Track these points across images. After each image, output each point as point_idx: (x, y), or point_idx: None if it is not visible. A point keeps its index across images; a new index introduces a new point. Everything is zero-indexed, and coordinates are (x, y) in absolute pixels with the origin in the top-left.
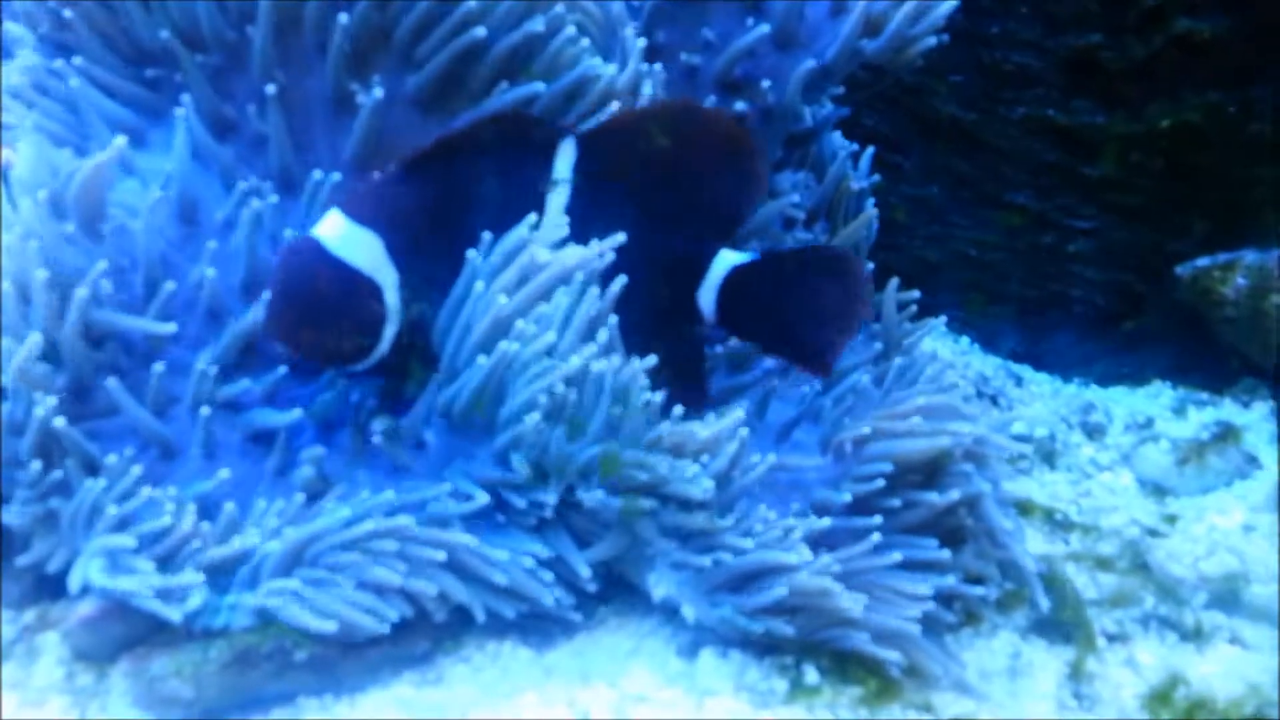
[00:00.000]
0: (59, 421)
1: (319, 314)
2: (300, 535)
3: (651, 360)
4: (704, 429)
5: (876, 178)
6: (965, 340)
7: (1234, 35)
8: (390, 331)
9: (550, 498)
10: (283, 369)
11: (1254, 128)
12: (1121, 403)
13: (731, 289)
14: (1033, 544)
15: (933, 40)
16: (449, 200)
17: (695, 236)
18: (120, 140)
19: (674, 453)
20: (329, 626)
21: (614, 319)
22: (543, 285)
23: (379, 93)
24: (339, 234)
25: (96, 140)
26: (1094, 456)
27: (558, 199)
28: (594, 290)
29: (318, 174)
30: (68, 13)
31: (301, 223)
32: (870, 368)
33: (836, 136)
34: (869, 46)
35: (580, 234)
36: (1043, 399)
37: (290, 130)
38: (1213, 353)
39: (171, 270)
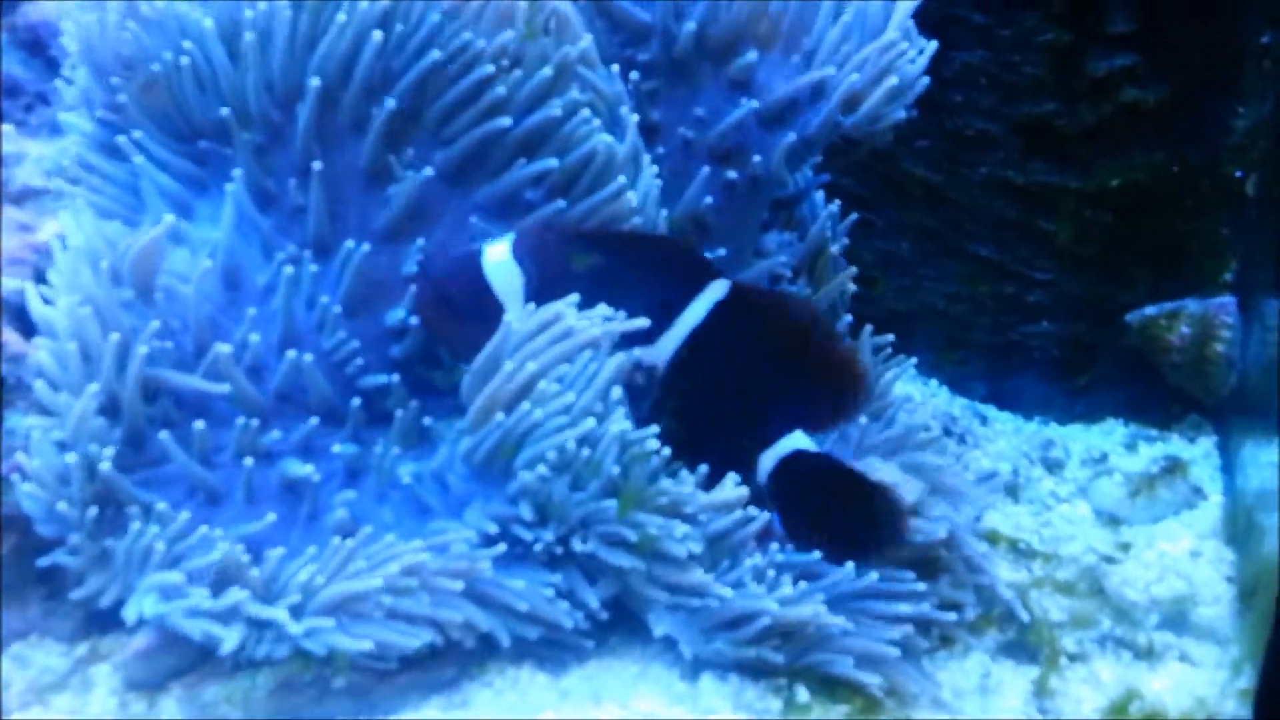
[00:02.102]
0: (107, 467)
1: (451, 310)
2: (340, 589)
3: (655, 429)
4: (704, 496)
5: (845, 241)
6: (934, 383)
7: (1174, 103)
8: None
9: (549, 535)
10: (315, 420)
11: (1194, 186)
12: (1078, 439)
13: (790, 466)
14: (1000, 572)
15: (902, 114)
16: (590, 280)
17: (780, 411)
18: (170, 217)
19: (670, 512)
20: (365, 645)
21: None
22: (568, 350)
23: (429, 171)
24: (497, 258)
25: (150, 212)
26: (1054, 489)
27: (681, 329)
28: (618, 357)
29: (350, 243)
30: (122, 97)
31: (333, 287)
32: None
33: (819, 200)
34: (847, 121)
35: (683, 372)
36: (1006, 436)
37: (324, 202)
38: (1161, 393)
39: (218, 331)
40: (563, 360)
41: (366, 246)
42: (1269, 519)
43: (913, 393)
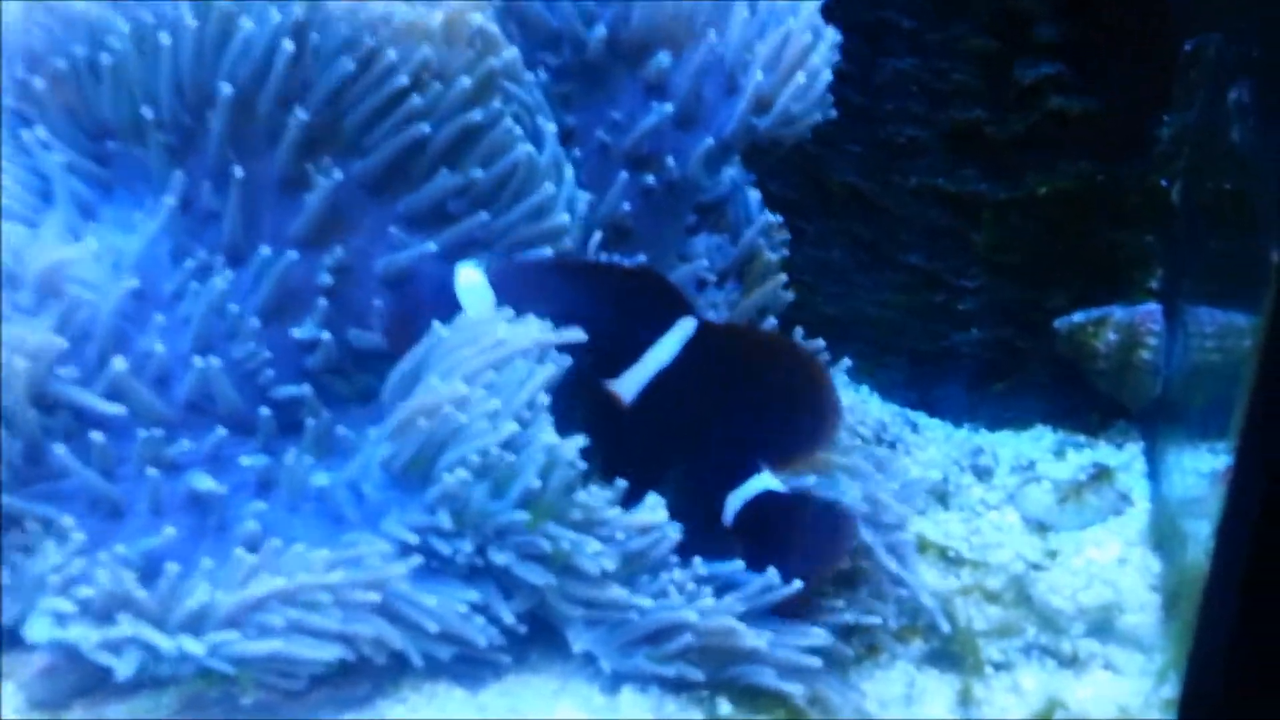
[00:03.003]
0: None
1: (420, 331)
2: (240, 598)
3: (580, 440)
4: (623, 516)
5: (785, 252)
6: (865, 389)
7: (1102, 112)
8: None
9: (467, 547)
10: (223, 431)
11: (1121, 195)
12: (1007, 446)
13: (756, 507)
14: (928, 579)
15: (819, 116)
16: (560, 309)
17: (750, 447)
18: (92, 241)
19: (584, 527)
20: (274, 645)
21: (545, 397)
22: (497, 358)
23: (339, 174)
24: (470, 281)
25: (57, 213)
26: (983, 496)
27: (648, 366)
28: (548, 367)
29: (265, 250)
30: (38, 81)
31: (246, 295)
32: None
33: (753, 201)
34: (762, 123)
35: (648, 411)
36: (936, 444)
37: (241, 208)
38: (1088, 400)
39: (123, 340)
40: (491, 368)
41: (294, 254)
42: (1193, 526)
43: (845, 398)
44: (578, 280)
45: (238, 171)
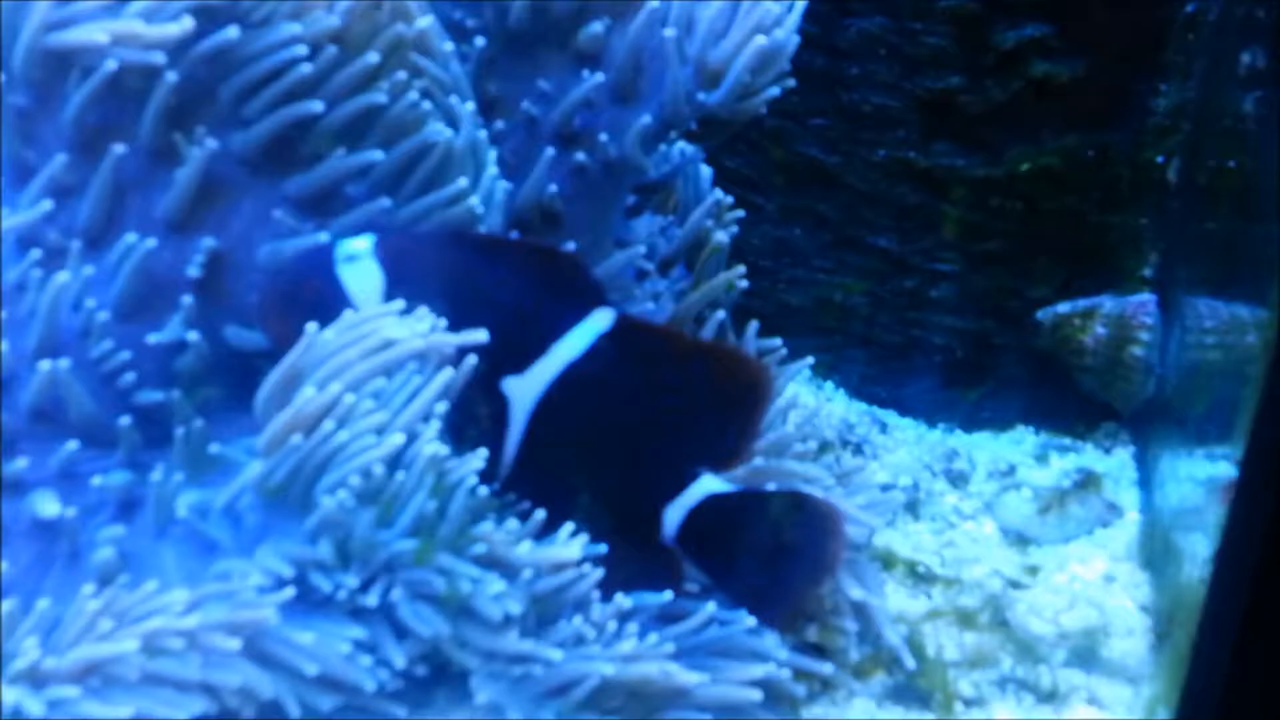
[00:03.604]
0: None
1: (298, 317)
2: (86, 652)
3: (482, 455)
4: (530, 551)
5: (735, 229)
6: (829, 386)
7: (1090, 80)
8: None
9: (351, 582)
10: (75, 443)
11: (1111, 172)
12: (985, 449)
13: (702, 515)
14: (895, 599)
15: (776, 91)
16: (457, 291)
17: (682, 454)
18: None
19: (487, 563)
20: (123, 713)
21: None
22: (385, 363)
23: (212, 143)
24: (353, 257)
25: None
26: (958, 505)
27: (554, 362)
28: (446, 372)
29: (131, 237)
30: None
31: (104, 286)
32: None
33: (703, 179)
34: (709, 98)
35: (554, 414)
36: (907, 445)
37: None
38: (1074, 399)
39: None
40: (379, 374)
41: (152, 241)
42: (1188, 541)
43: (805, 397)
44: (480, 258)
45: (118, 147)
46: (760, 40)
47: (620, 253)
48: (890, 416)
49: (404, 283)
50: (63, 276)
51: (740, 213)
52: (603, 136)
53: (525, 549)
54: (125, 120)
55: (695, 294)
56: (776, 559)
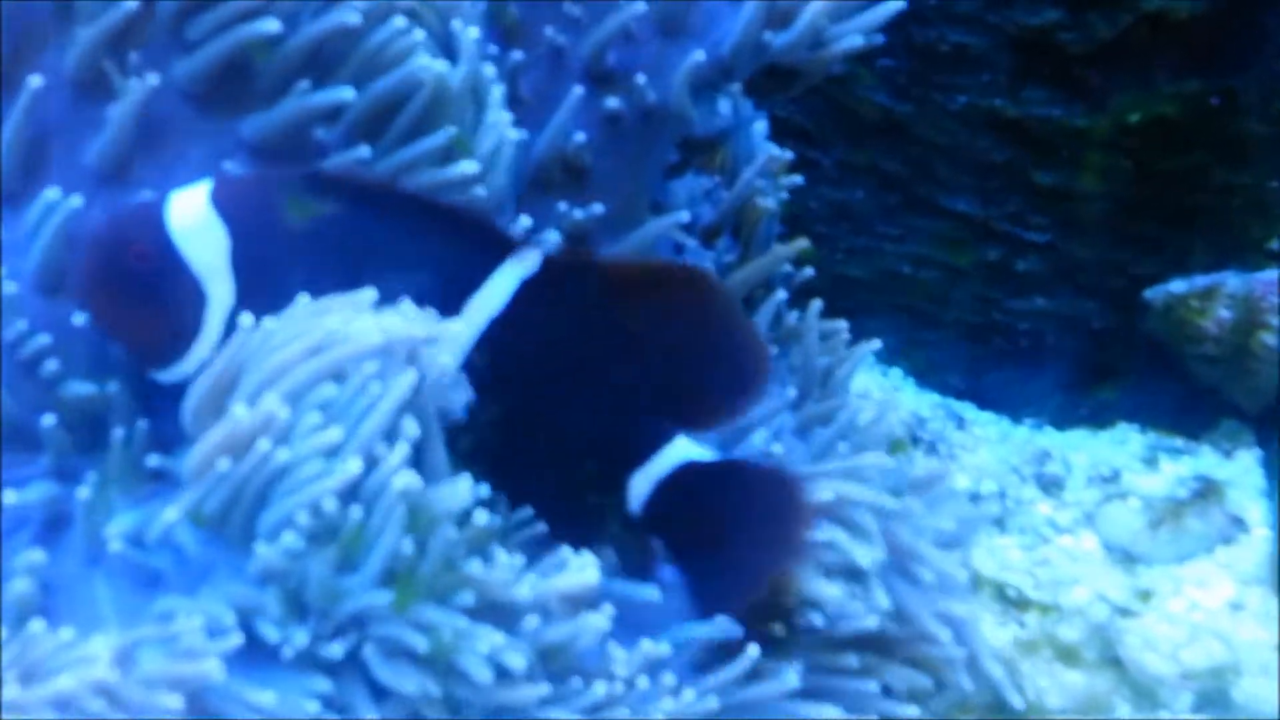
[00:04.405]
0: None
1: (124, 289)
2: None
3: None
4: (528, 588)
5: (785, 195)
6: (896, 373)
7: (1216, 13)
8: (201, 350)
9: (300, 638)
10: None
11: (1240, 124)
12: (1082, 450)
13: (675, 487)
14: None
15: (860, 40)
16: (326, 247)
17: (648, 410)
18: None
19: (484, 609)
20: None
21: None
22: (335, 363)
23: (154, 79)
24: (189, 213)
25: None
26: (1051, 516)
27: (473, 319)
28: (409, 375)
29: (52, 193)
30: None
31: (22, 251)
32: (788, 415)
33: (758, 137)
34: (777, 40)
35: (483, 379)
36: (989, 445)
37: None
38: (1188, 392)
39: None
40: (327, 379)
41: (78, 199)
42: None
43: (869, 387)
44: (357, 206)
45: (34, 80)
46: None
47: (656, 219)
48: (968, 410)
49: (255, 240)
50: None
51: (798, 178)
52: (640, 78)
53: (527, 589)
54: (43, 43)
55: (743, 270)
56: (743, 535)
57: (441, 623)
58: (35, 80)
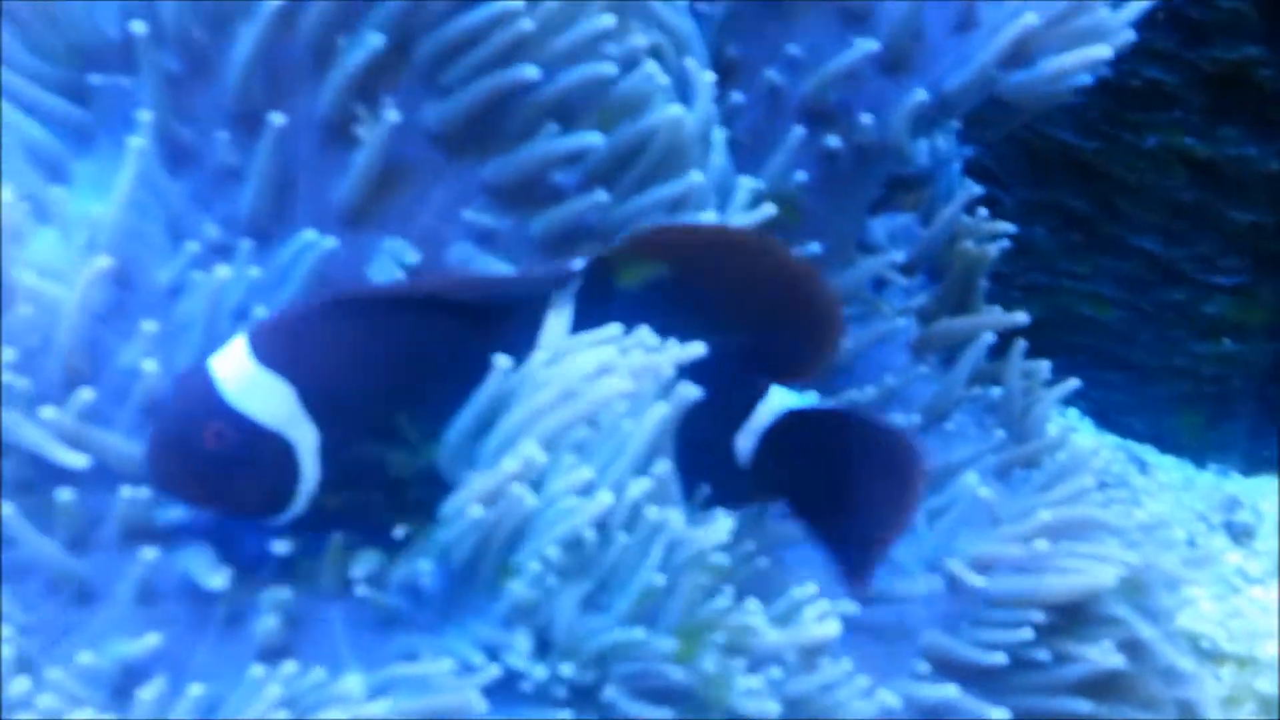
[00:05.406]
0: None
1: (219, 481)
2: None
3: (728, 523)
4: (776, 633)
5: (1006, 242)
6: (1074, 414)
7: None
8: (306, 490)
9: (539, 672)
10: None
11: None
12: (1272, 497)
13: (779, 435)
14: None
15: (1088, 78)
16: (394, 355)
17: (743, 369)
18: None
19: (729, 649)
20: None
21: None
22: (593, 404)
23: (393, 116)
24: (244, 380)
25: (8, 175)
26: (1242, 566)
27: (557, 325)
28: (660, 407)
29: (310, 234)
30: None
31: (271, 292)
32: (990, 456)
33: (956, 175)
34: (1011, 77)
35: None
36: (1173, 491)
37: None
38: None
39: (97, 350)
40: (583, 419)
41: (333, 240)
42: None
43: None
44: (395, 314)
45: (277, 118)
46: (1089, 19)
47: (869, 258)
48: (1149, 453)
49: (318, 378)
50: (222, 271)
51: (1008, 227)
52: (866, 117)
53: (773, 635)
54: (299, 88)
55: (956, 321)
56: (857, 494)
57: (705, 662)
58: (278, 119)
